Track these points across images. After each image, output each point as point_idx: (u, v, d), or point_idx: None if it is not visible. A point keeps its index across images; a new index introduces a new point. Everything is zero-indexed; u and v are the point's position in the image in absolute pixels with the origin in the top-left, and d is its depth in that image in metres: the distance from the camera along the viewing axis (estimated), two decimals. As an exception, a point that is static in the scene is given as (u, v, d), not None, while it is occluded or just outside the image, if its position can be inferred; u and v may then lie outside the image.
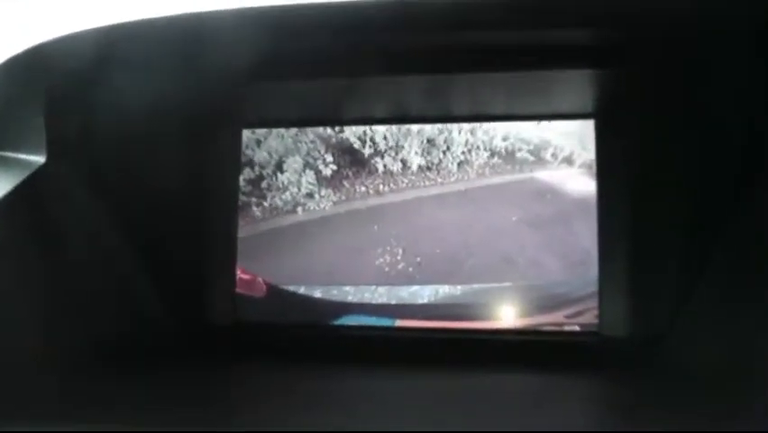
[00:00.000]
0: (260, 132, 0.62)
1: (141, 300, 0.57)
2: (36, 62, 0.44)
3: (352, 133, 0.61)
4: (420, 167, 0.60)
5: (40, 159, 0.50)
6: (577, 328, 0.56)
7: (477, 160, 0.59)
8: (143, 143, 0.55)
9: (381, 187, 0.60)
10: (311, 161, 0.61)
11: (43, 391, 0.42)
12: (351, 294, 0.59)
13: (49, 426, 0.37)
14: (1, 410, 0.38)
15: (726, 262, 0.50)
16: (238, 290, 0.61)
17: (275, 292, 0.60)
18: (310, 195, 0.61)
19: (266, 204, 0.61)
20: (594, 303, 0.55)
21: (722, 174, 0.52)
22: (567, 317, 0.56)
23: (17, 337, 0.43)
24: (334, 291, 0.60)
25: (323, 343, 0.59)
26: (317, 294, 0.60)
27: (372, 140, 0.60)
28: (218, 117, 0.60)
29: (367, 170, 0.61)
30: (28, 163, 0.49)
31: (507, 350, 0.56)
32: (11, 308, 0.44)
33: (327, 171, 0.61)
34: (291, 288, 0.60)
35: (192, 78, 0.51)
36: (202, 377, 0.51)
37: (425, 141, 0.60)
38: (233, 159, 0.61)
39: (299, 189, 0.61)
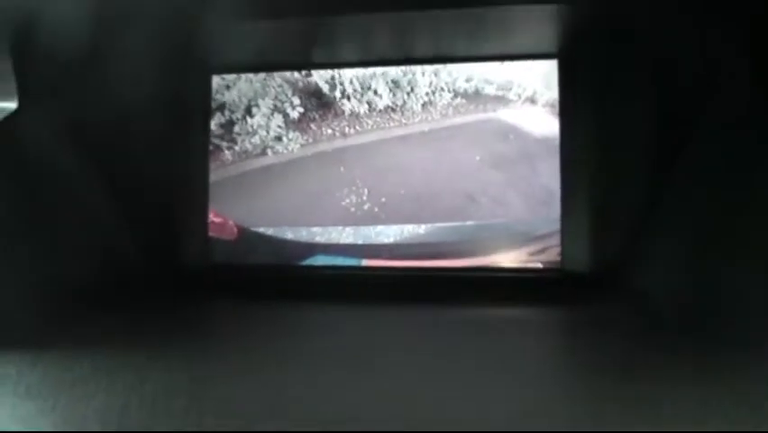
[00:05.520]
0: (230, 77, 0.62)
1: (116, 245, 0.59)
2: (2, 8, 0.44)
3: (319, 76, 0.61)
4: (385, 108, 0.60)
5: (12, 105, 0.51)
6: (540, 265, 0.57)
7: (440, 100, 0.59)
8: (115, 89, 0.56)
9: (347, 129, 0.61)
10: (279, 104, 0.62)
11: (20, 332, 0.43)
12: (319, 235, 0.60)
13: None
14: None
15: (685, 198, 0.50)
16: (210, 233, 0.62)
17: (246, 235, 0.62)
18: (278, 138, 0.62)
19: (236, 148, 0.62)
20: (557, 241, 0.56)
21: (681, 114, 0.52)
22: (530, 254, 0.57)
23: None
24: (303, 232, 0.61)
25: (293, 283, 0.60)
26: (287, 236, 0.61)
27: (340, 82, 0.61)
28: (187, 63, 0.61)
29: (333, 112, 0.61)
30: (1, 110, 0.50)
31: (471, 287, 0.57)
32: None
33: (295, 114, 0.61)
34: (261, 230, 0.61)
35: (161, 22, 0.51)
36: (177, 316, 0.53)
37: (389, 82, 0.60)
38: (204, 104, 0.62)
39: (268, 133, 0.62)
